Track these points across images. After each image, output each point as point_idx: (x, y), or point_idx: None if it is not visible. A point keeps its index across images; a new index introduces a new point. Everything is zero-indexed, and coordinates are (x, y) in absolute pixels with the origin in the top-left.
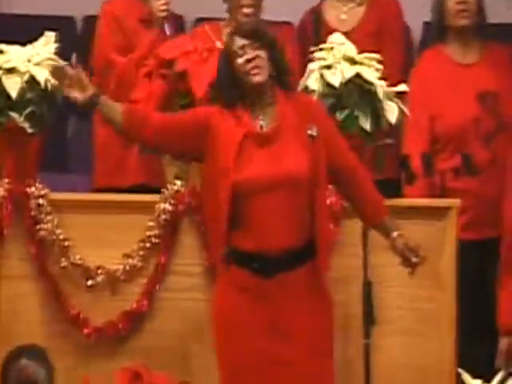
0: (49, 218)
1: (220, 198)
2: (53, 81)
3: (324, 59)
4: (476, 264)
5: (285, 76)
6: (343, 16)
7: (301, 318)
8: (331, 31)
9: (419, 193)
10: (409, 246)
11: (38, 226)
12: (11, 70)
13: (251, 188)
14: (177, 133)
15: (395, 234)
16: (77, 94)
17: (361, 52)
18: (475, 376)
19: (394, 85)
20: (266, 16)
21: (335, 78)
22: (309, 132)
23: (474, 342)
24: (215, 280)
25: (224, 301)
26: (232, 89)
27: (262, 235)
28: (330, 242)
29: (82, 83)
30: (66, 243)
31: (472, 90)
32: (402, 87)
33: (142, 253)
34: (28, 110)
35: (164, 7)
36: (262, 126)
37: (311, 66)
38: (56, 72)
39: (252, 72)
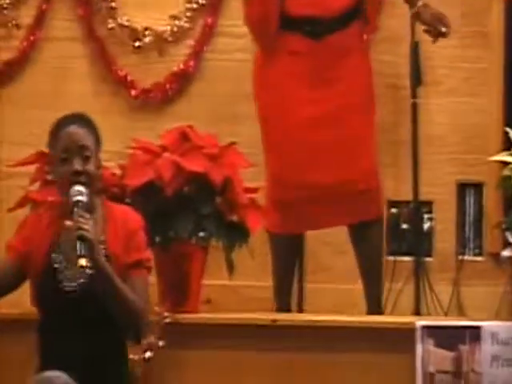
0: None
1: None
2: None
3: None
4: None
5: None
6: None
7: (346, 74)
8: None
9: None
10: (437, 15)
11: None
12: None
13: None
14: None
15: (420, 3)
16: None
17: None
18: None
19: None
20: None
21: None
22: None
23: None
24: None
25: (273, 65)
26: None
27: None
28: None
29: None
30: (113, 4)
31: None
32: None
33: (189, 14)
34: None
35: None
36: None
37: None
38: None
39: None
